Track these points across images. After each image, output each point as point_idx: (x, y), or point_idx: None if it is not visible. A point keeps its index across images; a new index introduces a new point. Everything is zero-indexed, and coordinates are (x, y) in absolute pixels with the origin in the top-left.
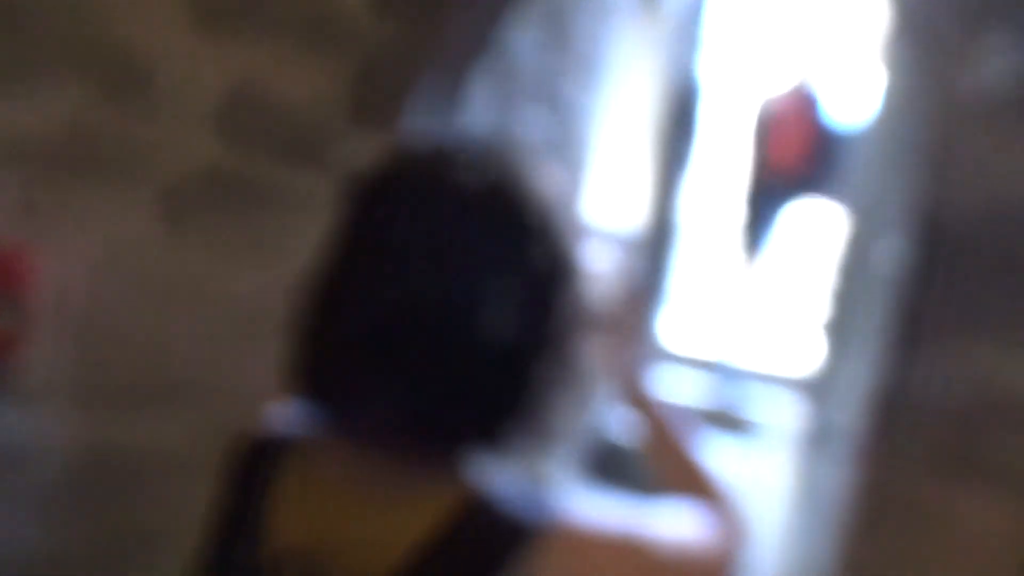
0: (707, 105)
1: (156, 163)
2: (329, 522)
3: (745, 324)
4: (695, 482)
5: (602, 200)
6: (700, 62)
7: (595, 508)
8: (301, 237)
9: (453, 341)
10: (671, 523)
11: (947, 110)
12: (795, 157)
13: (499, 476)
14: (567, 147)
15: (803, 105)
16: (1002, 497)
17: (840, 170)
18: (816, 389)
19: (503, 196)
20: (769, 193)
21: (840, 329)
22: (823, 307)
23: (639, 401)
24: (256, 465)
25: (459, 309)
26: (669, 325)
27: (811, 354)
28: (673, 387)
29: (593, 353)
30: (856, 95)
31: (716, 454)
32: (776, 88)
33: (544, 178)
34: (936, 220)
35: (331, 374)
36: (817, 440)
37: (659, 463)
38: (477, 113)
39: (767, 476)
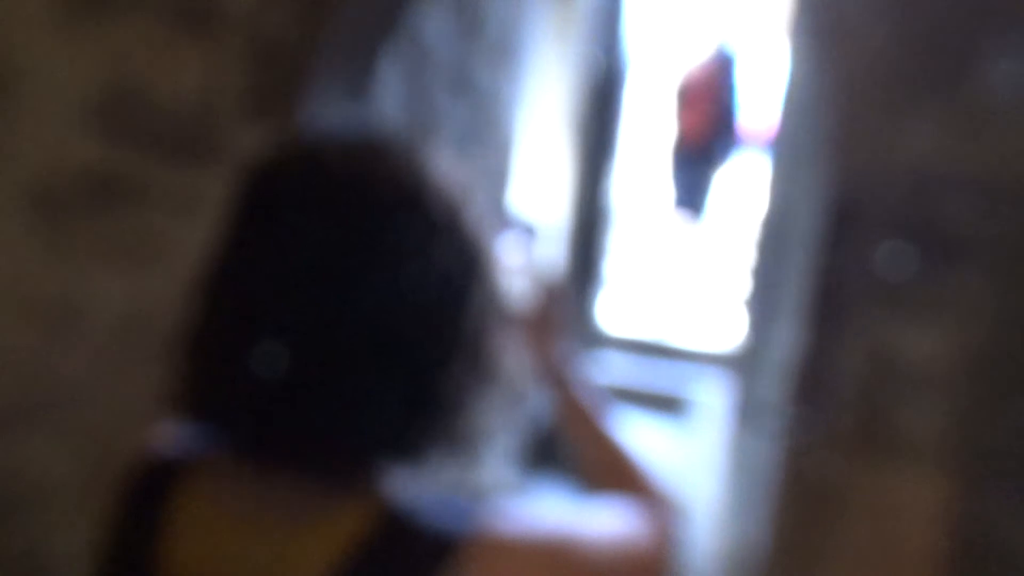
0: (632, 82)
1: (20, 165)
2: (230, 551)
3: (680, 301)
4: (619, 467)
5: (523, 188)
6: (622, 40)
7: (521, 513)
8: (189, 240)
9: (355, 347)
10: (601, 523)
11: (848, 87)
12: (704, 126)
13: (416, 487)
14: (484, 135)
15: (714, 76)
16: (919, 469)
17: (740, 140)
18: (743, 365)
19: (404, 191)
20: (688, 163)
21: (762, 304)
22: (745, 282)
23: (558, 384)
24: (145, 492)
25: (360, 313)
26: (606, 308)
27: (739, 330)
28: (610, 370)
29: (517, 347)
30: (769, 71)
31: (647, 434)
32: (693, 59)
33: (450, 171)
34: (845, 196)
35: (222, 389)
36: (746, 416)
37: (581, 447)
38: (387, 103)
39: (704, 455)
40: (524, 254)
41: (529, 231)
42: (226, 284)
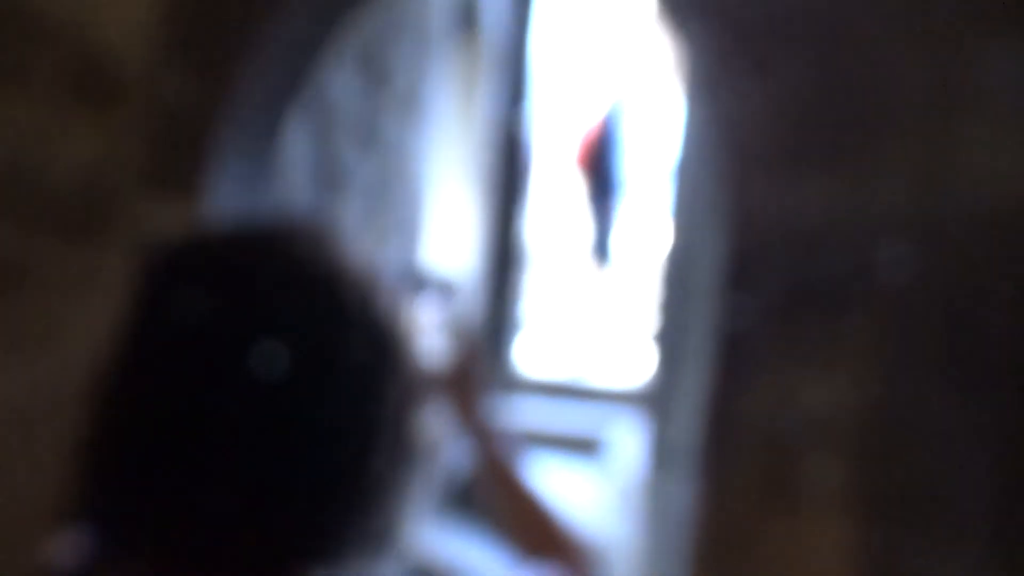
0: (538, 128)
1: None
2: None
3: (593, 341)
4: (540, 524)
5: (435, 237)
6: (527, 87)
7: None
8: (86, 322)
9: (266, 447)
10: None
11: (738, 147)
12: (598, 176)
13: None
14: (393, 188)
15: (604, 130)
16: (827, 515)
17: (617, 183)
18: (656, 404)
19: (313, 282)
20: (591, 210)
21: (671, 340)
22: (653, 319)
23: (481, 438)
24: None
25: (272, 410)
26: (520, 351)
27: (651, 368)
28: (525, 414)
29: (437, 406)
30: (668, 117)
31: (563, 478)
32: (590, 112)
33: (360, 255)
34: (741, 250)
35: (123, 493)
36: (660, 458)
37: (502, 502)
38: (294, 161)
39: (620, 497)
40: (442, 312)
41: (445, 288)
42: (124, 382)
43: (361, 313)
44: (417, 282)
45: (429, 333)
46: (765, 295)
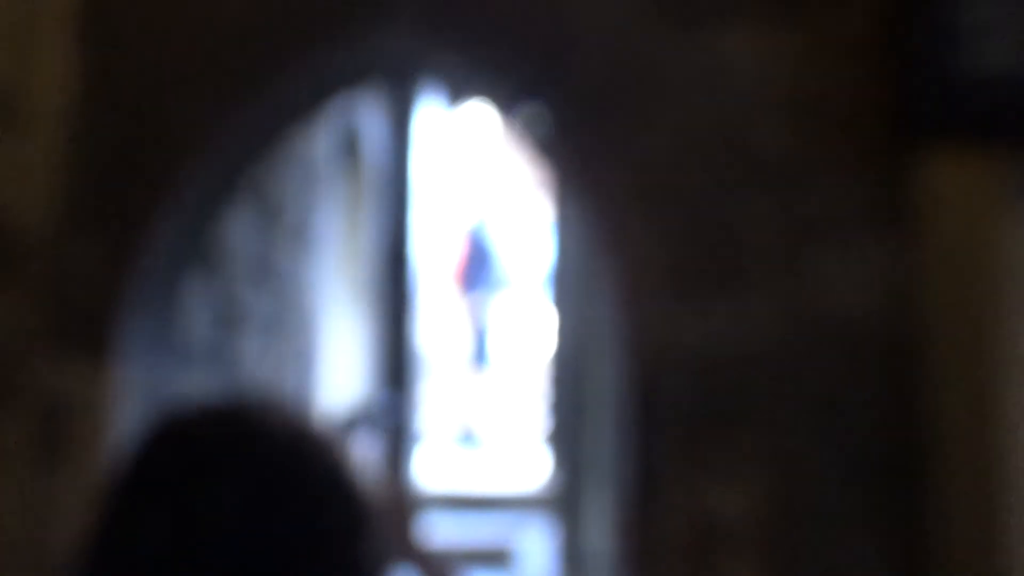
0: (420, 248)
1: None
2: None
3: (493, 449)
4: None
5: (330, 365)
6: (408, 210)
7: None
8: None
9: None
10: None
11: (628, 284)
12: (465, 279)
13: None
14: (288, 320)
15: (474, 248)
16: None
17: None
18: (561, 509)
19: (288, 457)
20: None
21: (566, 443)
22: (546, 420)
23: (423, 564)
24: None
25: None
26: (424, 465)
27: (551, 470)
28: (435, 530)
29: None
30: (537, 229)
31: None
32: (464, 225)
33: (318, 421)
34: (641, 377)
35: None
36: (571, 565)
37: None
38: (192, 305)
39: None
40: (374, 448)
41: (372, 422)
42: (113, 566)
43: (333, 477)
44: (349, 424)
45: (365, 469)
46: (665, 414)
